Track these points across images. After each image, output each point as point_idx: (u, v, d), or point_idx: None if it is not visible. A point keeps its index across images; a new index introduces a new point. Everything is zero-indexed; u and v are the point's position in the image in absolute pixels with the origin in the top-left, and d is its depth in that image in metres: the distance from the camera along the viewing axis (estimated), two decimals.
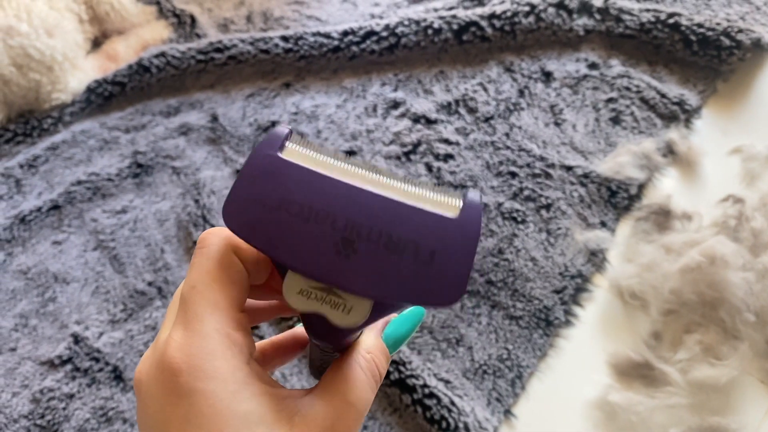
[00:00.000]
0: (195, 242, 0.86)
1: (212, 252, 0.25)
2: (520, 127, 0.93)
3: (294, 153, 0.25)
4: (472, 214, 0.24)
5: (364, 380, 0.27)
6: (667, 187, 0.85)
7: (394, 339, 0.30)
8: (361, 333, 0.28)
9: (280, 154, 0.25)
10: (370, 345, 0.28)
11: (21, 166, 0.99)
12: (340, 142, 0.95)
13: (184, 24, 1.14)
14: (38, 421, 0.73)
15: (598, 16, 1.01)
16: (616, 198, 0.83)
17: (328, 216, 0.24)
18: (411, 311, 0.31)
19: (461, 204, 0.25)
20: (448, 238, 0.24)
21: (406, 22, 1.02)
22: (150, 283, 0.85)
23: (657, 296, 0.72)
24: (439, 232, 0.24)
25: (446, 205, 0.25)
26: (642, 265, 0.74)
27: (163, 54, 1.04)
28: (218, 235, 0.25)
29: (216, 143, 0.98)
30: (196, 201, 0.91)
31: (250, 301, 0.28)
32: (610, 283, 0.76)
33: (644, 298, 0.73)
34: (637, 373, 0.70)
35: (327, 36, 1.03)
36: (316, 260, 0.24)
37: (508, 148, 0.91)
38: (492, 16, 1.01)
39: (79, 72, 1.05)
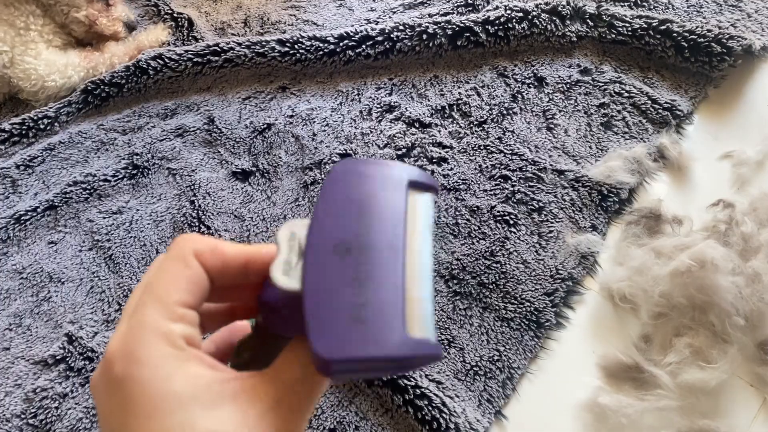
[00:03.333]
0: None
1: (174, 254, 0.26)
2: (512, 132, 0.94)
3: (412, 199, 0.29)
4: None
5: None
6: (658, 191, 0.86)
7: None
8: None
9: (407, 191, 0.28)
10: None
11: (17, 167, 0.99)
12: (335, 145, 0.96)
13: (182, 27, 1.15)
14: (31, 421, 0.74)
15: (590, 23, 1.03)
16: (607, 202, 0.83)
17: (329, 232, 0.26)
18: None
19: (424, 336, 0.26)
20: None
21: (402, 27, 1.03)
22: None
23: (647, 299, 0.73)
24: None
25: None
26: (632, 268, 0.75)
27: (160, 56, 1.05)
28: (186, 240, 0.27)
29: (212, 145, 0.99)
30: (192, 202, 0.92)
31: (206, 305, 0.29)
32: (600, 286, 0.77)
33: (634, 302, 0.74)
34: (627, 375, 0.70)
35: (323, 40, 1.04)
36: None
37: (500, 152, 0.91)
38: (486, 21, 1.02)
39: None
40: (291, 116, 1.01)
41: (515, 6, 1.03)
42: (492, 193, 0.87)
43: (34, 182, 0.98)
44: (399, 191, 0.27)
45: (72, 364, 0.78)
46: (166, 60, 1.05)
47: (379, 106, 1.00)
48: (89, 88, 1.05)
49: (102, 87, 1.05)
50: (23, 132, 1.03)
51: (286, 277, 0.25)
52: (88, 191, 0.95)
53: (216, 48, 1.05)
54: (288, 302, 0.26)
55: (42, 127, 1.03)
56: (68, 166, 0.99)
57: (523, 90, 0.99)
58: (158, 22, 1.16)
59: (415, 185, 0.28)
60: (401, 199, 0.27)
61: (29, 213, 0.93)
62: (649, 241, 0.78)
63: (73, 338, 0.80)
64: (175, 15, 1.16)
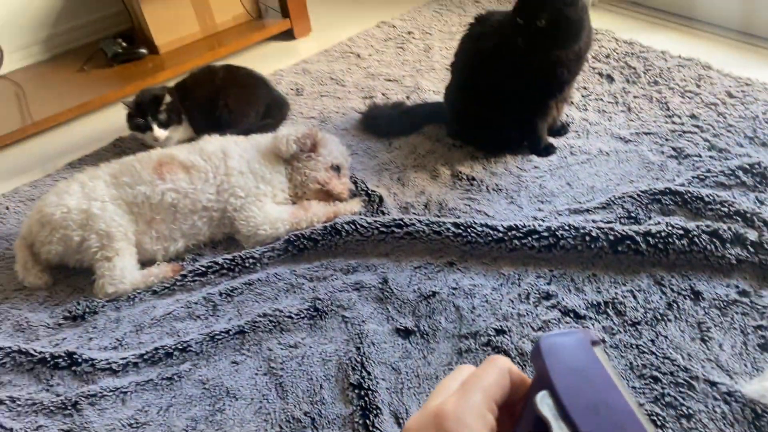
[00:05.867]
0: (351, 384, 0.97)
1: (498, 364, 0.37)
2: (666, 337, 0.98)
3: (599, 354, 0.38)
4: None
5: None
6: None
7: None
8: None
9: (593, 348, 0.37)
10: None
11: (220, 294, 1.18)
12: (491, 321, 1.05)
13: (373, 202, 1.35)
14: None
15: (751, 249, 1.08)
16: (761, 421, 0.83)
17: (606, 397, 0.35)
18: None
19: None
20: None
21: (567, 227, 1.15)
22: (306, 413, 0.96)
23: None
24: None
25: None
26: None
27: (353, 222, 1.24)
28: (504, 360, 0.38)
29: (383, 302, 1.12)
30: (358, 348, 1.03)
31: None
32: None
33: None
34: None
35: (493, 228, 1.18)
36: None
37: (652, 353, 0.95)
38: (647, 233, 1.11)
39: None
40: (455, 288, 1.12)
41: (677, 224, 1.11)
42: (641, 391, 0.90)
43: (231, 309, 1.16)
44: (592, 352, 0.37)
45: None
46: (358, 226, 1.24)
47: (537, 292, 1.09)
48: (291, 239, 1.25)
49: (302, 240, 1.24)
50: (231, 267, 1.23)
51: None
52: (273, 323, 1.10)
53: (400, 222, 1.23)
54: None
55: (247, 265, 1.23)
56: (261, 300, 1.17)
57: (678, 300, 1.04)
58: (355, 196, 1.38)
59: (592, 343, 0.38)
60: (597, 358, 0.37)
61: (222, 334, 1.10)
62: None
63: None
64: (369, 192, 1.37)
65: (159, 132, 1.53)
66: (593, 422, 0.33)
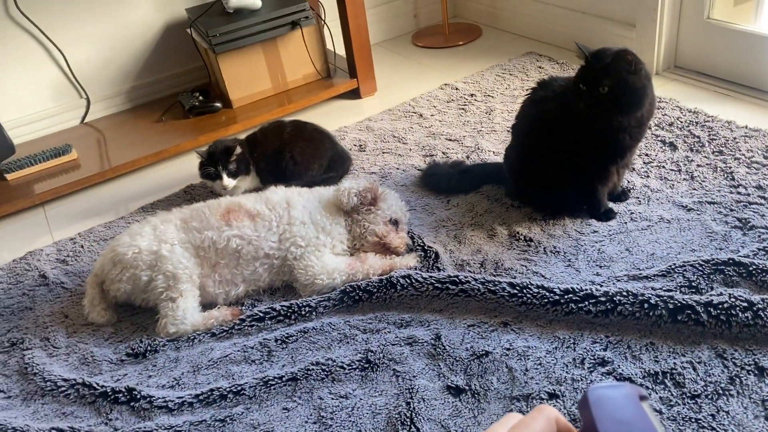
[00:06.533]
0: None
1: (546, 413, 0.38)
2: (727, 413, 0.94)
3: (646, 409, 0.39)
4: None
5: None
6: None
7: None
8: None
9: (642, 404, 0.38)
10: None
11: (276, 340, 1.21)
12: (544, 384, 1.04)
13: (429, 258, 1.37)
14: None
15: None
16: None
17: None
18: None
19: None
20: None
21: (625, 293, 1.13)
22: None
23: None
24: None
25: None
26: None
27: (408, 276, 1.26)
28: (552, 409, 0.39)
29: (434, 358, 1.12)
30: (408, 403, 1.03)
31: None
32: None
33: None
34: None
35: (550, 290, 1.17)
36: None
37: (713, 429, 0.92)
38: (708, 303, 1.08)
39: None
40: (508, 349, 1.12)
41: (740, 296, 1.08)
42: None
43: (285, 355, 1.18)
44: (640, 406, 0.38)
45: None
46: (413, 280, 1.25)
47: (592, 357, 1.07)
48: (347, 290, 1.28)
49: (357, 291, 1.27)
50: (288, 314, 1.26)
51: None
52: (325, 372, 1.12)
53: (455, 279, 1.24)
54: None
55: (303, 313, 1.26)
56: (314, 348, 1.19)
57: (742, 375, 1.00)
58: (411, 251, 1.40)
59: (640, 398, 0.39)
60: (644, 412, 0.38)
61: (275, 379, 1.12)
62: None
63: None
64: (425, 247, 1.39)
65: (228, 181, 1.61)
66: None
